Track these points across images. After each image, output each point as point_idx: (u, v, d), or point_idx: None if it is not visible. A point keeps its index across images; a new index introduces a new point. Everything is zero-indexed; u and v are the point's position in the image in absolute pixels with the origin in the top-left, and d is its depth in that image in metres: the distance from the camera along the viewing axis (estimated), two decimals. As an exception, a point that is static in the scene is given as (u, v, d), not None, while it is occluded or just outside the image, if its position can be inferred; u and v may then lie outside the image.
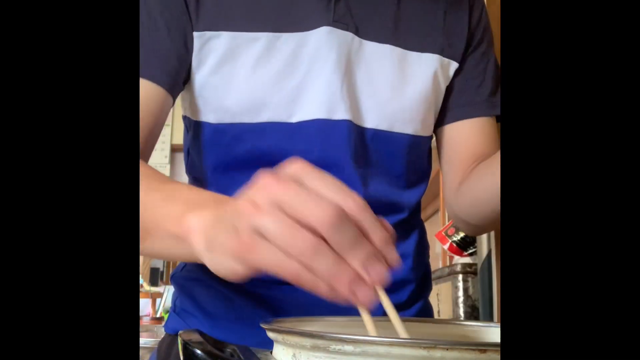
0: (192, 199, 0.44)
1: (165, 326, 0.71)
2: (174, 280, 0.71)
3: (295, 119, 0.64)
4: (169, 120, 3.27)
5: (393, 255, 0.35)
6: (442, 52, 0.70)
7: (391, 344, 0.28)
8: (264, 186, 0.35)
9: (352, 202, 0.34)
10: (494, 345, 0.28)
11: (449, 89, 0.74)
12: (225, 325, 0.64)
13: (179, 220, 0.42)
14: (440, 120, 0.75)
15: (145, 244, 0.46)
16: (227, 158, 0.65)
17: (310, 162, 0.63)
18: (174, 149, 3.32)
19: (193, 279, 0.68)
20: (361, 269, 0.33)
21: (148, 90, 0.61)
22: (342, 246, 0.33)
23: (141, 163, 0.53)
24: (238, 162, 0.65)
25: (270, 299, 0.63)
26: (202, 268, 0.67)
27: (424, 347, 0.27)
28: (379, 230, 0.34)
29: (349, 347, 0.30)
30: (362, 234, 0.34)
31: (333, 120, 0.63)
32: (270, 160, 0.63)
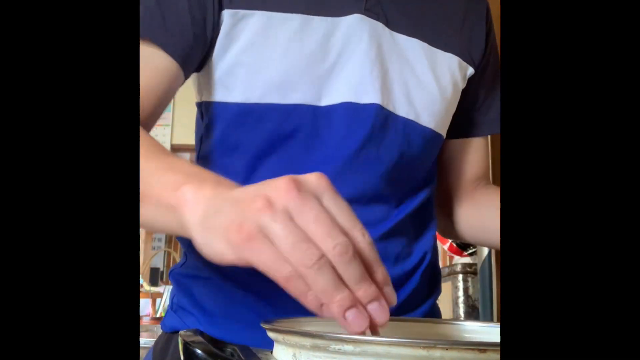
0: (191, 172, 0.44)
1: (162, 324, 0.70)
2: (172, 276, 0.70)
3: (324, 102, 0.64)
4: (168, 121, 3.28)
5: (392, 295, 0.35)
6: (461, 55, 0.72)
7: (390, 344, 0.29)
8: (284, 191, 0.35)
9: (362, 238, 0.35)
10: (493, 345, 0.28)
11: (473, 102, 0.76)
12: (224, 324, 0.63)
13: (174, 190, 0.41)
14: (464, 132, 0.77)
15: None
16: (249, 138, 0.65)
17: (333, 147, 0.63)
18: (174, 149, 3.33)
19: (192, 275, 0.67)
20: (363, 304, 0.33)
21: (162, 61, 0.60)
22: (345, 278, 0.33)
23: (141, 130, 0.52)
24: (260, 142, 0.64)
25: (273, 296, 0.62)
26: (202, 264, 0.66)
27: (424, 347, 0.28)
28: (381, 269, 0.35)
29: (348, 347, 0.30)
30: (366, 269, 0.34)
31: (361, 104, 0.64)
32: (292, 142, 0.63)
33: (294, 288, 0.34)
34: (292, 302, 0.61)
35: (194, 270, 0.67)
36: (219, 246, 0.36)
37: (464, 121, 0.77)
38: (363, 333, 0.33)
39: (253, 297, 0.63)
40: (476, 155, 0.78)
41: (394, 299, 0.35)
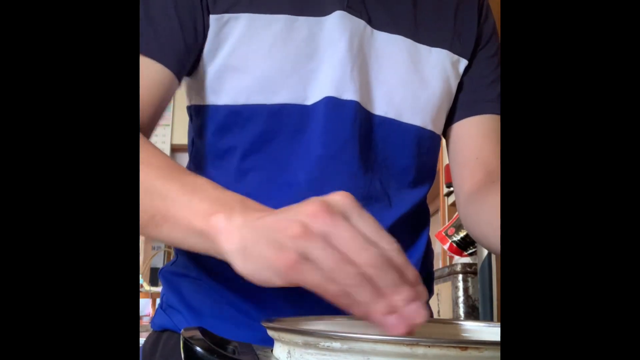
0: (217, 197, 0.45)
1: (151, 323, 0.71)
2: (162, 275, 0.71)
3: (310, 101, 0.64)
4: (168, 121, 3.28)
5: (424, 292, 0.38)
6: (451, 48, 0.71)
7: (375, 341, 0.29)
8: (316, 215, 0.37)
9: (390, 247, 0.37)
10: (475, 342, 0.28)
11: (459, 88, 0.74)
12: (211, 323, 0.63)
13: (205, 218, 0.43)
14: (449, 120, 0.75)
15: (162, 230, 0.47)
16: (238, 139, 0.66)
17: (316, 142, 0.63)
18: (174, 149, 3.33)
19: (181, 274, 0.68)
20: (402, 309, 0.36)
21: (155, 71, 0.61)
22: (383, 287, 0.36)
23: (151, 145, 0.54)
24: (248, 142, 0.65)
25: (260, 297, 0.63)
26: (191, 263, 0.67)
27: (407, 344, 0.28)
28: (411, 270, 0.38)
29: (336, 344, 0.31)
30: (398, 273, 0.37)
31: (342, 100, 0.64)
32: (279, 141, 0.64)
33: (341, 303, 0.37)
34: (279, 303, 0.62)
35: (183, 269, 0.68)
36: (265, 275, 0.39)
37: (466, 101, 0.74)
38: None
39: (240, 297, 0.64)
40: (480, 136, 0.73)
41: (425, 295, 0.38)
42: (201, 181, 0.49)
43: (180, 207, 0.46)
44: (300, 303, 0.58)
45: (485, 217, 0.66)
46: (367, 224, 0.38)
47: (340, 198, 0.39)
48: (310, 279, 0.36)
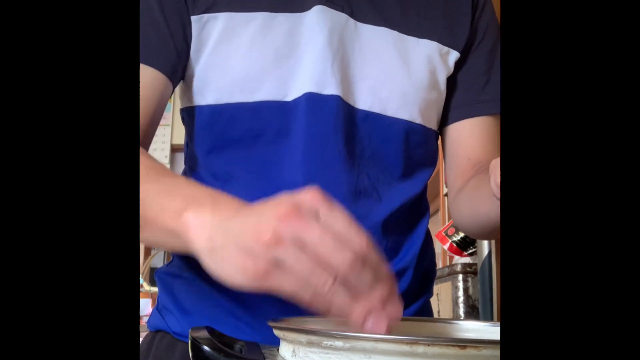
0: (189, 194, 0.46)
1: (147, 323, 0.71)
2: (158, 276, 0.71)
3: (290, 97, 0.64)
4: (168, 121, 3.28)
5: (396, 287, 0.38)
6: (440, 40, 0.70)
7: (376, 340, 0.30)
8: (285, 218, 0.37)
9: (362, 243, 0.37)
10: (473, 341, 0.29)
11: (453, 86, 0.73)
12: (201, 324, 0.64)
13: (176, 216, 0.44)
14: (444, 120, 0.74)
15: (145, 234, 0.48)
16: (222, 139, 0.66)
17: (299, 139, 0.63)
18: (174, 149, 3.33)
19: (175, 275, 0.68)
20: (376, 309, 0.36)
21: (149, 77, 0.62)
22: (359, 287, 0.36)
23: (141, 151, 0.54)
24: (233, 142, 0.65)
25: (250, 300, 0.63)
26: (185, 265, 0.67)
27: (407, 343, 0.29)
28: (384, 266, 0.38)
29: (339, 343, 0.32)
30: (372, 269, 0.37)
31: (322, 95, 0.63)
32: (264, 139, 0.64)
33: (317, 307, 0.37)
34: (269, 306, 0.62)
35: (177, 269, 0.68)
36: (237, 279, 0.39)
37: (461, 103, 0.73)
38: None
39: (231, 300, 0.63)
40: (474, 138, 0.72)
41: (396, 289, 0.38)
42: (177, 180, 0.50)
43: (155, 208, 0.47)
44: (290, 307, 0.58)
45: (463, 199, 0.67)
46: (337, 221, 0.38)
47: (309, 196, 0.38)
48: (284, 286, 0.37)
